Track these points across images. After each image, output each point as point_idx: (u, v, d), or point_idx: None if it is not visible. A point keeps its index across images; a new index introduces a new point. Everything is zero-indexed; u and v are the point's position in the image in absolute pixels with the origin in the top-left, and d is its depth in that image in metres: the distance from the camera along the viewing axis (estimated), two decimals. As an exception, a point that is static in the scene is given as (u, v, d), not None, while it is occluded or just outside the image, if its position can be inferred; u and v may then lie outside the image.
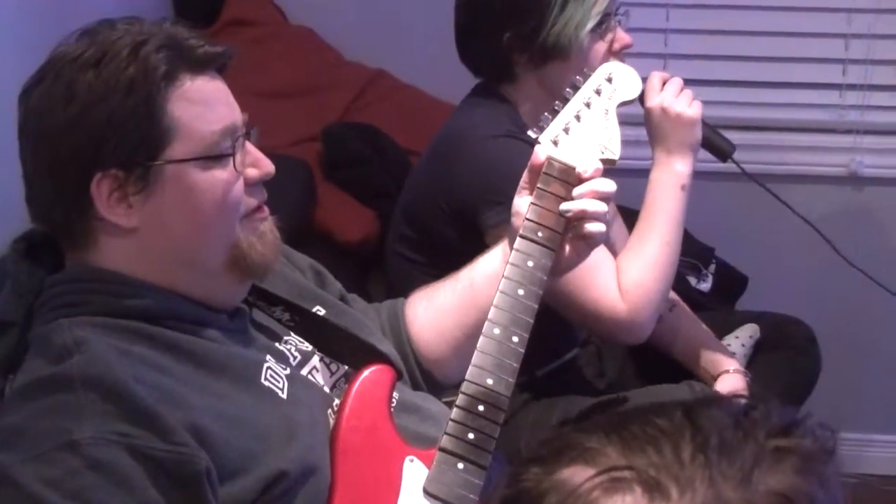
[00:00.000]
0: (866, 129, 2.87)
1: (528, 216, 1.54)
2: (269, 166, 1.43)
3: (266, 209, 1.45)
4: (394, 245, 2.16)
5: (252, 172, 1.41)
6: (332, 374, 1.53)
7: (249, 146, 1.42)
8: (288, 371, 1.45)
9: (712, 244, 2.63)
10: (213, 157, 1.37)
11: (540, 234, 1.53)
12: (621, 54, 2.02)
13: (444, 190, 2.02)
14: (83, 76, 1.32)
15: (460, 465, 1.43)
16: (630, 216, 2.15)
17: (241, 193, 1.40)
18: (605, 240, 1.61)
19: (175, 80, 1.34)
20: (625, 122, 1.68)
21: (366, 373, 1.48)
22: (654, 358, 2.23)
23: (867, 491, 2.88)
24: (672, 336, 2.21)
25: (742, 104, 2.92)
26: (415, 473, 1.44)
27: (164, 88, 1.33)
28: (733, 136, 2.82)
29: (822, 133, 2.91)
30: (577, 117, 1.63)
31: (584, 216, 1.54)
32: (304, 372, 1.49)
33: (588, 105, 1.65)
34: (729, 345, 2.30)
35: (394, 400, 1.50)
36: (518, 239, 1.54)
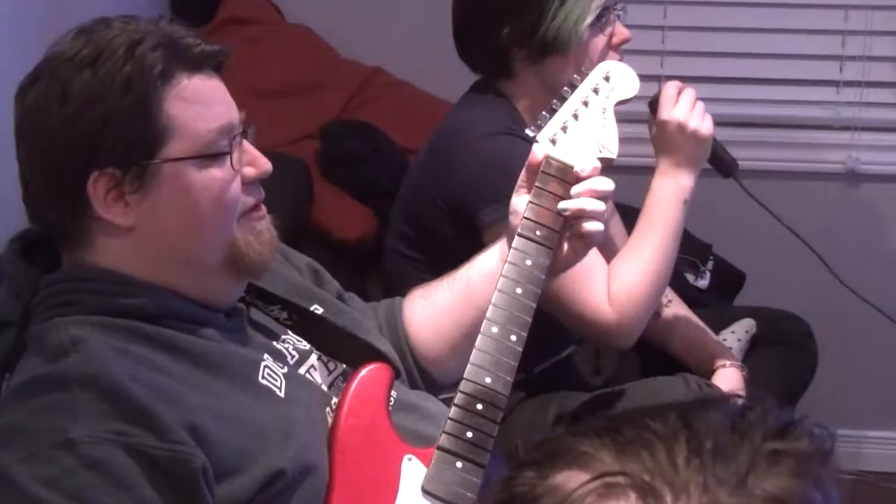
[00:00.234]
0: (863, 125, 2.87)
1: (526, 215, 1.54)
2: (266, 165, 1.43)
3: (263, 208, 1.45)
4: (392, 242, 2.16)
5: (249, 171, 1.41)
6: (330, 372, 1.53)
7: (246, 145, 1.42)
8: (285, 370, 1.45)
9: (710, 241, 2.63)
10: (210, 156, 1.36)
11: (538, 232, 1.53)
12: (620, 49, 2.02)
13: (442, 187, 2.01)
14: (79, 75, 1.32)
15: (459, 464, 1.43)
16: (628, 214, 2.15)
17: (239, 192, 1.40)
18: (604, 238, 1.61)
19: (171, 79, 1.34)
20: (622, 120, 1.67)
21: (364, 371, 1.48)
22: (652, 354, 2.24)
23: (864, 488, 2.88)
24: (669, 332, 2.21)
25: (739, 101, 2.92)
26: (413, 472, 1.44)
27: (160, 87, 1.33)
28: (730, 133, 2.82)
29: (819, 130, 2.92)
30: (575, 116, 1.63)
31: (581, 215, 1.54)
32: (301, 371, 1.49)
33: (586, 104, 1.65)
34: (725, 339, 2.30)
35: (392, 399, 1.50)
36: (516, 237, 1.53)
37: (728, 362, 2.17)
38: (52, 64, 1.34)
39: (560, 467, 0.72)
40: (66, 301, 1.37)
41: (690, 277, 2.58)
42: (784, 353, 2.36)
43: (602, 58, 1.95)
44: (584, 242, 1.57)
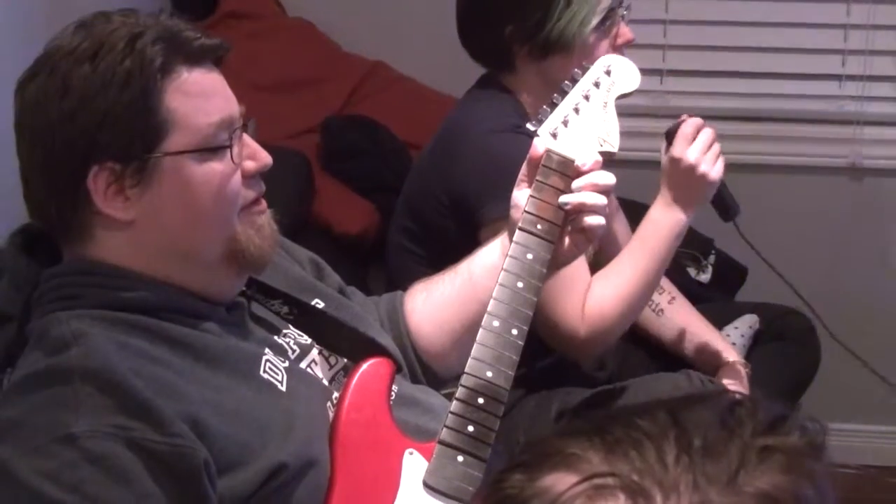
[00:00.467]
0: (866, 119, 2.87)
1: (526, 209, 1.54)
2: (266, 158, 1.43)
3: (264, 202, 1.44)
4: (394, 236, 2.15)
5: (250, 165, 1.41)
6: (331, 367, 1.53)
7: (247, 138, 1.42)
8: (287, 364, 1.45)
9: (712, 235, 2.63)
10: (211, 150, 1.36)
11: (539, 226, 1.53)
12: (623, 49, 2.01)
13: (445, 183, 2.01)
14: (79, 69, 1.31)
15: (460, 458, 1.43)
16: (629, 208, 2.15)
17: (239, 186, 1.40)
18: (605, 232, 1.61)
19: (171, 73, 1.33)
20: (624, 114, 1.67)
21: (365, 366, 1.48)
22: (656, 349, 2.23)
23: (868, 483, 2.88)
24: (671, 329, 2.21)
25: (741, 95, 2.91)
26: (414, 466, 1.44)
27: (160, 81, 1.33)
28: (732, 127, 2.82)
29: (822, 124, 2.91)
30: (576, 110, 1.63)
31: (583, 209, 1.54)
32: (302, 365, 1.49)
33: (587, 98, 1.65)
34: (728, 335, 2.30)
35: (393, 393, 1.50)
36: (517, 231, 1.53)
37: (731, 359, 2.17)
38: (52, 58, 1.33)
39: (549, 469, 0.72)
40: (67, 295, 1.36)
41: (692, 272, 2.58)
42: (786, 348, 2.36)
43: None
44: (586, 236, 1.57)
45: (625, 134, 1.65)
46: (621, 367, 2.26)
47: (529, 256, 1.52)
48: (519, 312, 1.50)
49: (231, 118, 1.39)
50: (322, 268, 1.68)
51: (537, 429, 1.95)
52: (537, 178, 1.55)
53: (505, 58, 2.03)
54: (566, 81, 1.66)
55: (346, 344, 1.53)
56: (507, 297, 1.50)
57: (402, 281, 1.84)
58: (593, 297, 1.89)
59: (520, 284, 1.51)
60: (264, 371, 1.41)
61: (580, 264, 1.86)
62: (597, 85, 1.67)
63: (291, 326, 1.53)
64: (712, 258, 2.63)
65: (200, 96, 1.36)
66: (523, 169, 1.59)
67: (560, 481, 0.71)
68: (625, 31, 2.01)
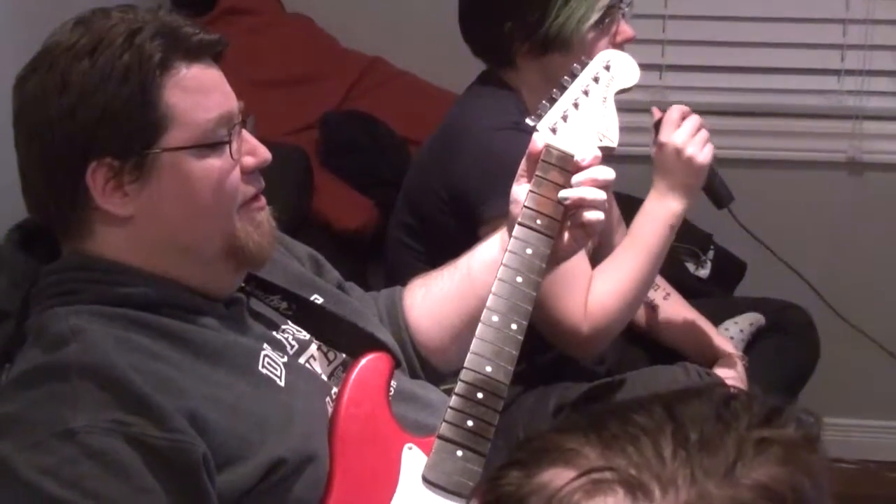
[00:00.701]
0: (865, 114, 2.86)
1: (526, 204, 1.54)
2: (265, 154, 1.43)
3: (263, 199, 1.44)
4: (394, 232, 2.15)
5: (249, 160, 1.41)
6: (330, 362, 1.53)
7: (246, 134, 1.42)
8: (285, 359, 1.45)
9: (711, 230, 2.63)
10: (209, 145, 1.36)
11: (538, 221, 1.53)
12: (623, 47, 2.00)
13: (445, 179, 2.01)
14: (77, 65, 1.31)
15: (459, 453, 1.43)
16: (628, 204, 2.15)
17: (238, 182, 1.39)
18: (604, 227, 1.61)
19: (170, 68, 1.33)
20: (623, 109, 1.67)
21: (364, 361, 1.48)
22: (655, 344, 2.23)
23: (866, 477, 2.88)
24: (667, 324, 2.21)
25: (740, 90, 2.91)
26: (413, 461, 1.44)
27: (158, 76, 1.32)
28: (731, 122, 2.82)
29: (821, 119, 2.91)
30: (576, 105, 1.63)
31: (582, 204, 1.54)
32: (301, 360, 1.49)
33: (586, 93, 1.65)
34: (727, 329, 2.30)
35: (392, 388, 1.50)
36: (516, 226, 1.53)
37: (727, 351, 2.17)
38: (51, 54, 1.33)
39: (546, 465, 0.72)
40: (66, 291, 1.36)
41: (691, 267, 2.58)
42: (786, 342, 2.36)
43: None
44: (585, 231, 1.57)
45: (624, 129, 1.65)
46: (621, 361, 2.26)
47: (528, 251, 1.52)
48: (518, 307, 1.50)
49: (230, 114, 1.39)
50: (321, 263, 1.68)
51: (536, 424, 1.95)
52: (537, 173, 1.55)
53: (505, 54, 2.03)
54: (565, 77, 1.66)
55: (345, 339, 1.53)
56: (507, 293, 1.50)
57: (401, 276, 1.84)
58: (594, 293, 1.89)
59: (519, 279, 1.51)
60: (263, 366, 1.41)
61: (581, 261, 1.86)
62: (596, 80, 1.67)
63: (290, 322, 1.53)
64: (711, 253, 2.63)
65: (199, 92, 1.36)
66: (523, 164, 1.59)
67: (558, 477, 0.71)
68: (625, 29, 2.01)
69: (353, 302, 1.63)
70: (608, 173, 1.56)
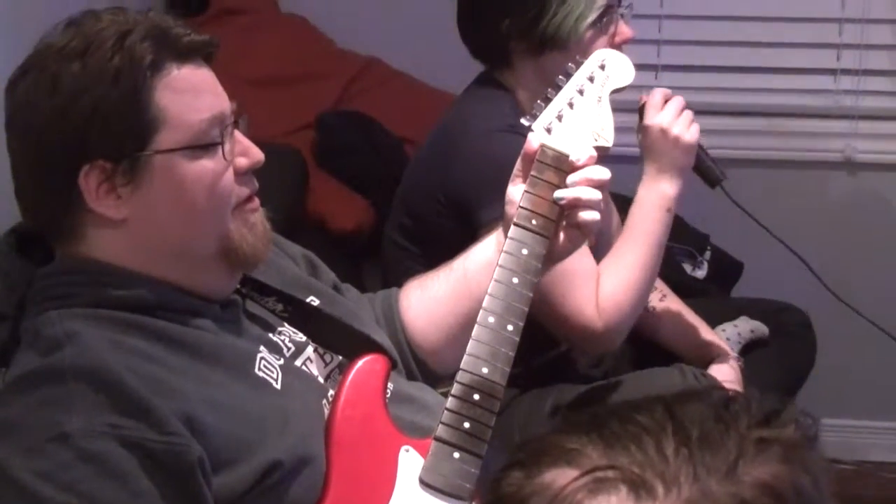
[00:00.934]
0: (861, 114, 2.87)
1: (521, 204, 1.53)
2: (258, 155, 1.42)
3: (257, 200, 1.44)
4: (390, 233, 2.15)
5: (242, 161, 1.41)
6: (327, 364, 1.52)
7: (239, 135, 1.41)
8: (282, 362, 1.45)
9: (707, 231, 2.63)
10: (202, 147, 1.36)
11: (534, 221, 1.53)
12: (621, 47, 2.00)
13: (442, 181, 2.01)
14: (68, 67, 1.31)
15: (456, 455, 1.43)
16: (623, 203, 2.14)
17: (231, 183, 1.39)
18: (599, 227, 1.61)
19: (161, 70, 1.33)
20: (618, 108, 1.67)
21: (360, 363, 1.48)
22: (652, 346, 2.23)
23: (863, 477, 2.88)
24: (662, 326, 2.21)
25: (736, 90, 2.91)
26: (410, 463, 1.44)
27: (150, 78, 1.32)
28: (727, 122, 2.82)
29: (817, 118, 2.91)
30: (570, 105, 1.62)
31: (577, 204, 1.54)
32: (298, 363, 1.49)
33: (581, 92, 1.64)
34: (724, 330, 2.29)
35: (388, 390, 1.50)
36: (512, 227, 1.53)
37: (723, 353, 2.16)
38: (42, 56, 1.33)
39: (548, 465, 0.72)
40: (61, 294, 1.36)
41: (688, 268, 2.58)
42: (783, 343, 2.36)
43: None
44: (581, 231, 1.56)
45: (619, 129, 1.65)
46: (617, 364, 2.25)
47: (524, 252, 1.52)
48: (514, 308, 1.49)
49: (222, 115, 1.38)
50: (317, 265, 1.68)
51: (532, 426, 1.95)
52: (532, 173, 1.55)
53: (502, 54, 2.02)
54: (560, 76, 1.66)
55: (342, 341, 1.53)
56: (503, 293, 1.50)
57: (397, 278, 1.84)
58: (604, 289, 1.88)
59: (515, 280, 1.50)
60: (259, 369, 1.41)
61: (587, 258, 1.85)
62: (591, 79, 1.66)
63: (286, 324, 1.52)
64: (708, 254, 2.63)
65: (190, 93, 1.35)
66: (518, 164, 1.59)
67: (560, 476, 0.71)
68: (624, 30, 2.01)
69: (348, 303, 1.62)
70: (603, 173, 1.56)
